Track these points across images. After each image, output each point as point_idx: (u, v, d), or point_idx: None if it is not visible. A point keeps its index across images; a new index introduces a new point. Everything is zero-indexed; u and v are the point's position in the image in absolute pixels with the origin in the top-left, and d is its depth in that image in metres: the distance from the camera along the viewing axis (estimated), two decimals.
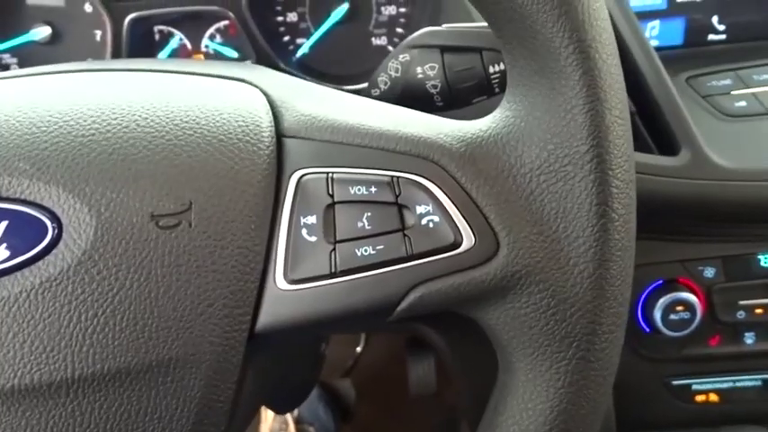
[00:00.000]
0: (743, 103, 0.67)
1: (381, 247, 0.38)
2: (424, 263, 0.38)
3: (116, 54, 0.83)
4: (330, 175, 0.39)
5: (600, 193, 0.37)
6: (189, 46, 0.88)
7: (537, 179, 0.38)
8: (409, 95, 0.54)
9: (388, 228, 0.38)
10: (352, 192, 0.39)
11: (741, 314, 0.73)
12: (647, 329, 0.74)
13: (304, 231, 0.39)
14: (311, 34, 0.88)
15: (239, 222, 0.38)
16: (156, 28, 0.87)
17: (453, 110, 0.55)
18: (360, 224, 0.38)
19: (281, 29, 0.88)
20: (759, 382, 0.76)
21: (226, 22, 0.86)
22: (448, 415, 1.32)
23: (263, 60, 0.85)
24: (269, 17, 0.87)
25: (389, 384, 1.41)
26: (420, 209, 0.39)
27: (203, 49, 0.88)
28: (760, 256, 0.73)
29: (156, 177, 0.38)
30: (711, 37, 0.77)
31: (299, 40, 0.88)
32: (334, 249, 0.38)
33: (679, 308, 0.71)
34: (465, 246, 0.38)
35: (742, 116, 0.67)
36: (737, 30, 0.76)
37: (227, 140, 0.39)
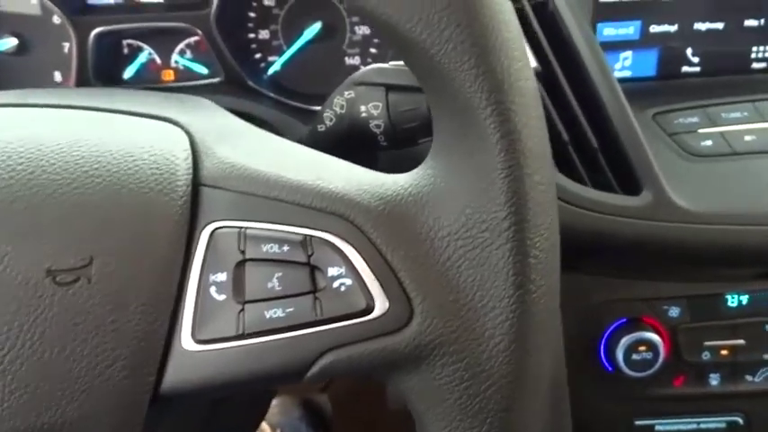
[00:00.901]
0: (709, 143, 0.65)
1: (291, 309, 0.37)
2: (335, 328, 0.37)
3: (82, 67, 0.82)
4: (243, 230, 0.38)
5: (517, 263, 0.36)
6: (158, 61, 0.86)
7: (455, 244, 0.37)
8: (354, 133, 0.53)
9: (299, 289, 0.37)
10: (264, 249, 0.37)
11: (706, 355, 0.72)
12: (610, 369, 0.72)
13: (213, 289, 0.37)
14: (283, 52, 0.86)
15: (144, 278, 0.36)
16: (125, 42, 0.86)
17: (398, 149, 0.53)
18: (270, 284, 0.37)
19: (253, 46, 0.86)
20: (723, 425, 0.75)
21: (196, 38, 0.84)
22: None
23: (232, 78, 0.84)
24: (240, 34, 0.86)
25: (368, 398, 1.39)
26: (332, 271, 0.37)
27: (173, 64, 0.87)
28: (727, 296, 0.71)
29: (57, 229, 0.36)
30: (685, 69, 0.75)
31: (270, 58, 0.87)
32: (243, 310, 0.37)
33: (642, 348, 0.70)
34: (377, 312, 0.37)
35: (707, 156, 0.65)
36: (712, 62, 0.74)
37: (138, 190, 0.38)
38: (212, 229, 0.38)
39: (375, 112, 0.51)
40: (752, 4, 0.72)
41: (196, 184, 0.39)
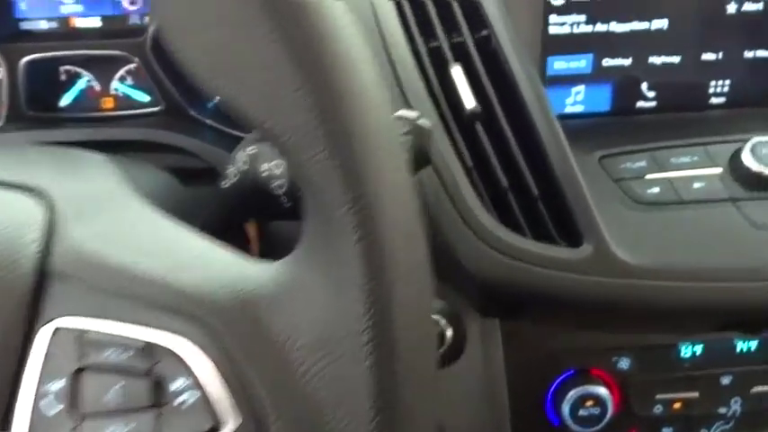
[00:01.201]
0: (656, 190, 0.61)
1: (132, 426, 0.32)
2: None
3: (14, 95, 0.78)
4: (84, 331, 0.33)
5: (378, 383, 0.31)
6: (97, 87, 0.83)
7: (314, 355, 0.32)
8: (258, 192, 0.49)
9: (141, 404, 0.33)
10: (105, 355, 0.33)
11: (658, 408, 0.68)
12: (556, 423, 0.68)
13: (49, 399, 0.33)
14: None
15: None
16: (63, 68, 0.82)
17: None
18: (109, 397, 0.33)
19: None
20: None
21: (136, 65, 0.80)
22: None
23: (173, 106, 0.80)
24: None
25: None
26: (176, 383, 0.33)
27: (112, 91, 0.83)
28: (680, 346, 0.67)
29: None
30: (641, 104, 0.71)
31: None
32: (80, 426, 0.33)
33: (589, 402, 0.66)
34: None
35: (653, 204, 0.60)
36: (668, 97, 0.70)
37: None
38: (53, 328, 0.34)
39: (277, 172, 0.47)
40: (708, 37, 0.68)
41: (42, 273, 0.35)
